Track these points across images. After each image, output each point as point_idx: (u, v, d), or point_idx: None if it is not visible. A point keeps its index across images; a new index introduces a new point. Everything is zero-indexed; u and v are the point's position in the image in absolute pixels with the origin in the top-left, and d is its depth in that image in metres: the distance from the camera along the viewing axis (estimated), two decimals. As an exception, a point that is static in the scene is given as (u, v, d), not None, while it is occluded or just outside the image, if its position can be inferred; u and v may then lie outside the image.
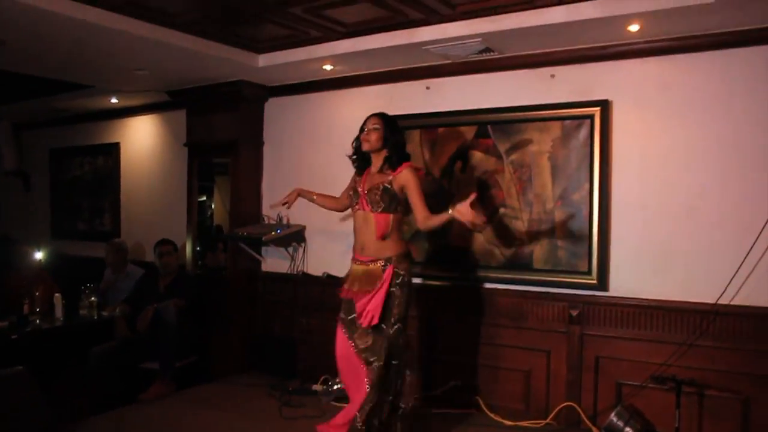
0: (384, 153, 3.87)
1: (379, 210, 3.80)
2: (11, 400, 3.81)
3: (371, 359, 3.73)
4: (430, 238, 4.92)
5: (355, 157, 4.05)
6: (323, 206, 4.43)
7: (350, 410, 3.79)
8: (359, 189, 3.92)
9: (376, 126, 3.85)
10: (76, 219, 7.80)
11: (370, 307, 3.72)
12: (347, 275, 4.00)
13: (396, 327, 3.74)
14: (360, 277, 3.85)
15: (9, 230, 8.19)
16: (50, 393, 4.20)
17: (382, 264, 3.77)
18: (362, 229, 3.87)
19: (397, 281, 3.76)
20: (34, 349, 4.84)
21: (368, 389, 3.69)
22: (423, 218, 3.75)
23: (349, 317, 3.88)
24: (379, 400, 3.72)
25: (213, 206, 6.15)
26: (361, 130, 3.92)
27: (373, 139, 3.84)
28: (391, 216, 3.80)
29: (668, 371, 3.98)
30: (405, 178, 3.78)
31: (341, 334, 3.91)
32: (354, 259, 3.94)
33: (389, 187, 3.78)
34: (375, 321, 3.70)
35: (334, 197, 4.36)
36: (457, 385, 4.74)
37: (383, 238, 3.79)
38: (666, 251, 4.13)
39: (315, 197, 4.37)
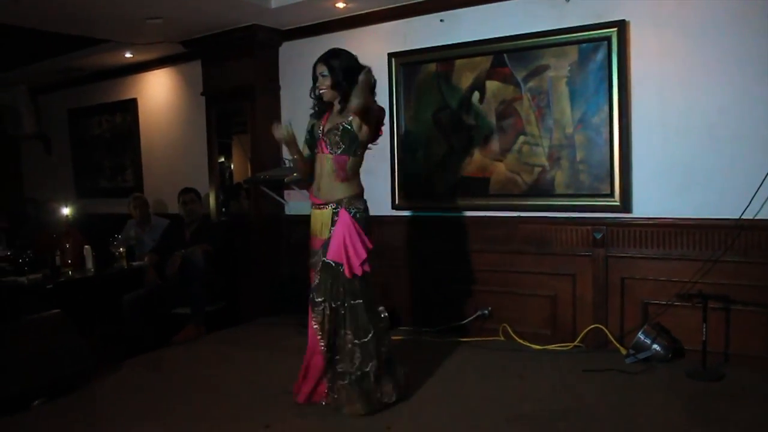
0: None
1: (339, 152, 3.52)
2: (51, 341, 3.93)
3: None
4: (452, 170, 4.94)
5: (316, 103, 3.71)
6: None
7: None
8: (318, 131, 3.63)
9: (323, 72, 3.53)
10: (99, 177, 7.89)
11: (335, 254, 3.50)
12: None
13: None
14: (315, 222, 3.64)
15: (34, 193, 8.28)
16: (87, 339, 4.29)
17: (333, 207, 3.54)
18: (320, 173, 3.60)
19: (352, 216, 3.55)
20: (68, 298, 4.93)
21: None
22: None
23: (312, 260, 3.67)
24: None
25: (232, 167, 6.18)
26: (314, 78, 3.59)
27: (326, 86, 3.54)
28: (350, 159, 3.54)
29: (694, 288, 4.01)
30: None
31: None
32: (312, 204, 3.67)
33: (349, 128, 3.51)
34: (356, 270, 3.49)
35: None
36: (485, 314, 4.81)
37: (342, 181, 3.55)
38: (687, 169, 4.12)
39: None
